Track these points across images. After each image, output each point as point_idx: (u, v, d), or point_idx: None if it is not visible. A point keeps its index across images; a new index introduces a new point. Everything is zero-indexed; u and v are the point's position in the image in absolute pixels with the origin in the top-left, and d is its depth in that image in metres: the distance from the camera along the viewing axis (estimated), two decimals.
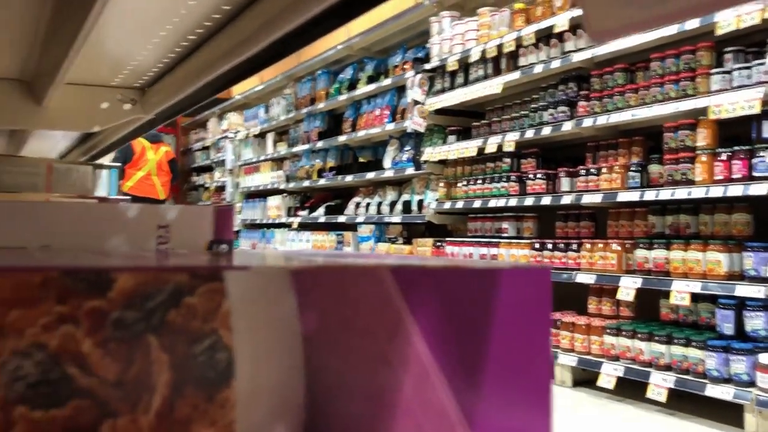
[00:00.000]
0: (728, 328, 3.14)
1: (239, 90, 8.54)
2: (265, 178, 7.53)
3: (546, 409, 0.46)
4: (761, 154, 3.04)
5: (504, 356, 0.44)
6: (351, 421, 0.39)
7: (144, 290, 0.33)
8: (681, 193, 3.30)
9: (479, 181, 4.59)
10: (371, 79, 5.82)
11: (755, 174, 3.04)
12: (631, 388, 3.54)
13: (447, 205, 4.80)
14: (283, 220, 7.00)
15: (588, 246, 3.80)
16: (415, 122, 5.02)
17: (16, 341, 0.30)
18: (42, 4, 0.81)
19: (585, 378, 3.84)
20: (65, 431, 0.31)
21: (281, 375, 0.37)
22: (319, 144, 6.43)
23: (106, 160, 1.75)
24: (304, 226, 6.67)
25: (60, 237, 0.66)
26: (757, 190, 2.98)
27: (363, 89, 5.84)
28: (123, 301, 0.32)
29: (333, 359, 0.38)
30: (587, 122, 3.82)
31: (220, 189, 8.87)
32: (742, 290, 3.02)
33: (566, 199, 3.92)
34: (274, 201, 7.25)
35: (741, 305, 3.10)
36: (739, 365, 3.01)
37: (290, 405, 0.37)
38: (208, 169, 9.52)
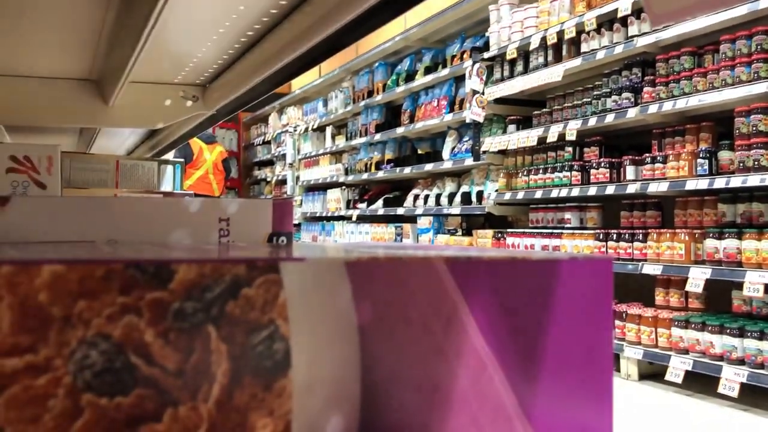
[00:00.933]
0: None
1: (298, 84, 8.65)
2: (325, 171, 7.61)
3: (607, 404, 0.45)
4: None
5: (563, 349, 0.43)
6: (406, 412, 0.39)
7: (203, 282, 0.34)
8: (753, 180, 3.15)
9: (540, 171, 4.51)
10: (429, 70, 5.79)
11: None
12: (701, 383, 3.42)
13: (507, 195, 4.74)
14: (343, 212, 7.06)
15: (654, 236, 3.69)
16: (473, 112, 4.96)
17: (82, 331, 0.31)
18: (106, 5, 0.84)
19: (652, 371, 3.74)
20: (130, 418, 0.32)
21: (337, 366, 0.37)
22: (377, 136, 6.44)
23: (169, 156, 1.80)
24: (363, 219, 6.71)
25: (127, 231, 0.68)
26: None
27: (421, 80, 5.81)
28: (183, 292, 0.33)
29: (388, 351, 0.38)
30: (652, 108, 3.70)
31: (281, 183, 9.02)
32: None
33: (631, 188, 3.81)
34: (333, 194, 7.32)
35: None
36: None
37: (346, 395, 0.37)
38: (269, 163, 9.68)
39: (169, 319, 0.33)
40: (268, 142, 9.58)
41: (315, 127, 7.92)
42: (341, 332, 0.37)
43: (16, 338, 0.30)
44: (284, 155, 8.71)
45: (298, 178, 8.31)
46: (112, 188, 1.46)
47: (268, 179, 9.58)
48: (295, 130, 8.38)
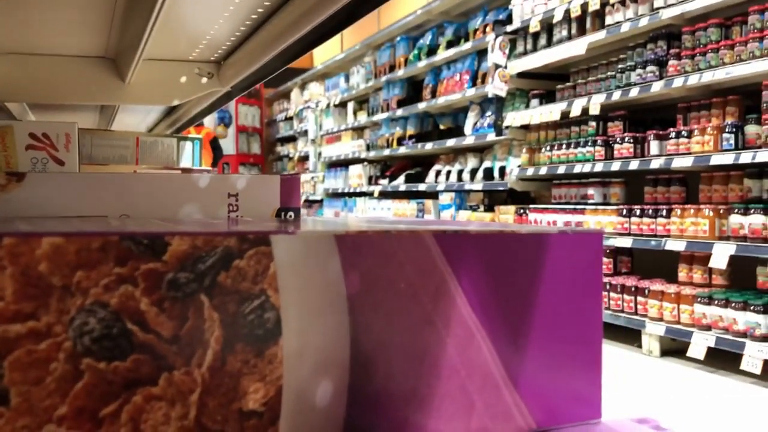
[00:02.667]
0: None
1: (320, 59, 8.63)
2: (347, 147, 7.62)
3: (596, 373, 0.46)
4: None
5: (552, 320, 0.44)
6: (395, 379, 0.40)
7: (196, 253, 0.35)
8: None
9: (563, 146, 4.47)
10: (451, 44, 5.73)
11: None
12: (724, 359, 3.40)
13: (530, 171, 4.71)
14: (365, 188, 7.08)
15: (678, 212, 3.65)
16: (496, 87, 4.92)
17: (81, 299, 0.33)
18: None
19: (674, 348, 3.72)
20: (127, 382, 0.34)
21: (327, 334, 0.38)
22: (399, 112, 6.42)
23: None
24: (385, 195, 6.72)
25: (139, 206, 0.70)
26: None
27: (443, 54, 5.76)
28: (177, 263, 0.35)
29: (378, 320, 0.40)
30: (678, 82, 3.63)
31: (304, 159, 9.05)
32: None
33: (655, 164, 3.76)
34: (355, 170, 7.34)
35: None
36: None
37: (336, 362, 0.38)
38: (291, 139, 9.72)
39: (163, 289, 0.34)
40: (291, 118, 9.61)
41: (337, 102, 7.91)
42: (331, 302, 0.38)
43: (19, 305, 0.32)
44: (306, 131, 8.73)
45: (320, 154, 8.34)
46: (133, 165, 1.49)
47: (291, 156, 9.62)
48: (317, 106, 8.38)
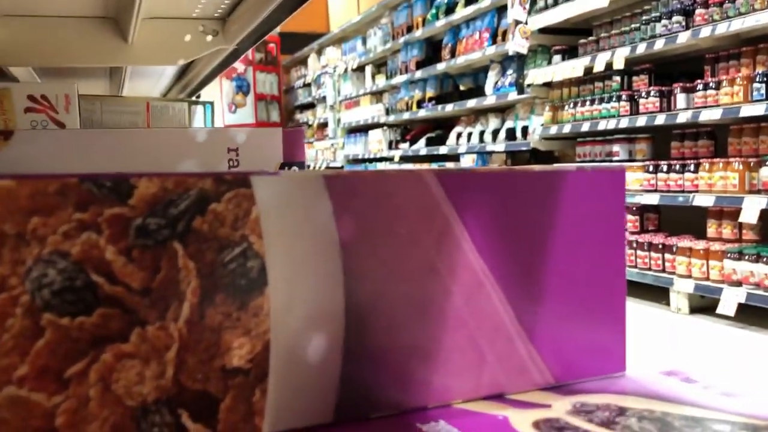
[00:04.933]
0: None
1: (337, 24, 8.49)
2: (366, 112, 7.53)
3: (619, 323, 0.42)
4: None
5: (571, 266, 0.40)
6: (396, 332, 0.37)
7: (166, 197, 0.32)
8: None
9: (587, 103, 4.35)
10: (469, 1, 5.59)
11: None
12: (756, 315, 3.33)
13: (553, 129, 4.61)
14: (385, 153, 7.01)
15: (707, 166, 3.55)
16: (517, 44, 4.79)
17: (38, 248, 0.30)
18: None
19: (703, 305, 3.66)
20: (94, 338, 0.31)
21: (318, 283, 0.35)
22: (418, 74, 6.31)
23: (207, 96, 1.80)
24: (405, 159, 6.65)
25: (136, 163, 0.67)
26: None
27: (461, 12, 5.62)
28: (145, 208, 0.31)
29: (375, 268, 0.36)
30: (705, 32, 3.49)
31: (323, 126, 8.98)
32: None
33: (682, 117, 3.65)
34: (375, 135, 7.26)
35: None
36: None
37: (329, 314, 0.35)
38: (310, 106, 9.64)
39: (131, 236, 0.31)
40: (309, 85, 9.52)
41: (354, 67, 7.80)
42: (321, 249, 0.35)
43: None
44: (324, 97, 8.65)
45: (339, 120, 8.26)
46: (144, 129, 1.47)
47: (310, 122, 9.56)
48: (335, 71, 8.28)
